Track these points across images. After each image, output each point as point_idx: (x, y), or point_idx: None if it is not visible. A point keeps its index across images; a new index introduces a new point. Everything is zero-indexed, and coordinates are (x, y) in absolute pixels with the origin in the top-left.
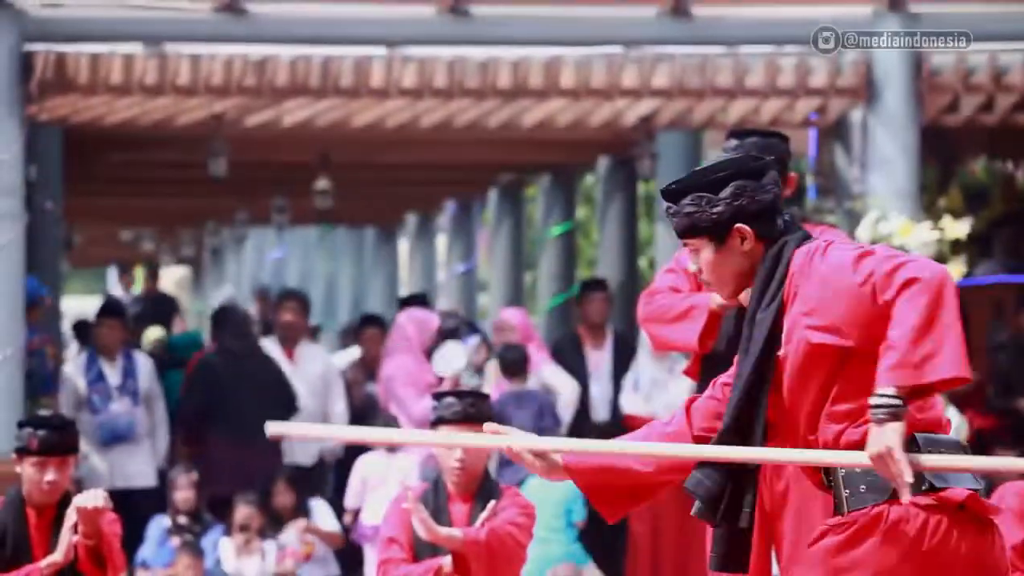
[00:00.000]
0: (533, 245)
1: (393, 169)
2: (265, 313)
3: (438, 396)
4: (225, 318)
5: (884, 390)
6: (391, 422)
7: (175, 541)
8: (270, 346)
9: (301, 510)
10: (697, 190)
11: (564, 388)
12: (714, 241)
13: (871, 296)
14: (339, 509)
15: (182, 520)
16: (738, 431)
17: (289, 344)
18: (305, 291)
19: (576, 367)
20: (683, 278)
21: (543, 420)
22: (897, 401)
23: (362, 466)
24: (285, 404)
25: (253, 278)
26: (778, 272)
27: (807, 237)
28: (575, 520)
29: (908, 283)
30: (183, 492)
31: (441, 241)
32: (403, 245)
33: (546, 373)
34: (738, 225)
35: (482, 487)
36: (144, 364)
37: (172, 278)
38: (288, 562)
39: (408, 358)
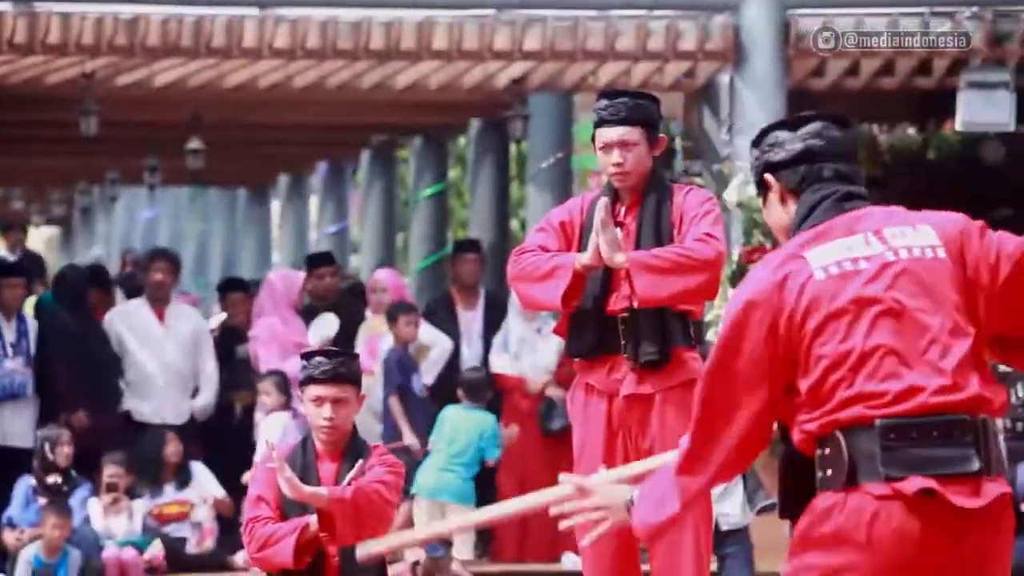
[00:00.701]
0: (405, 206)
1: (265, 129)
2: (132, 274)
3: (307, 355)
4: (60, 290)
5: None
6: (275, 376)
7: (41, 500)
8: (139, 307)
9: (183, 472)
10: (755, 146)
11: (436, 344)
12: (759, 194)
13: None
14: (221, 471)
15: (52, 479)
16: None
17: (159, 304)
18: (176, 251)
19: (448, 327)
20: (552, 236)
21: (395, 377)
22: None
23: (266, 427)
24: (114, 382)
25: (124, 238)
26: None
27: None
28: (488, 458)
29: None
30: (65, 448)
31: (313, 202)
32: (275, 206)
33: (419, 332)
34: (765, 176)
35: (350, 446)
36: (32, 325)
37: (41, 238)
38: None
39: (275, 318)
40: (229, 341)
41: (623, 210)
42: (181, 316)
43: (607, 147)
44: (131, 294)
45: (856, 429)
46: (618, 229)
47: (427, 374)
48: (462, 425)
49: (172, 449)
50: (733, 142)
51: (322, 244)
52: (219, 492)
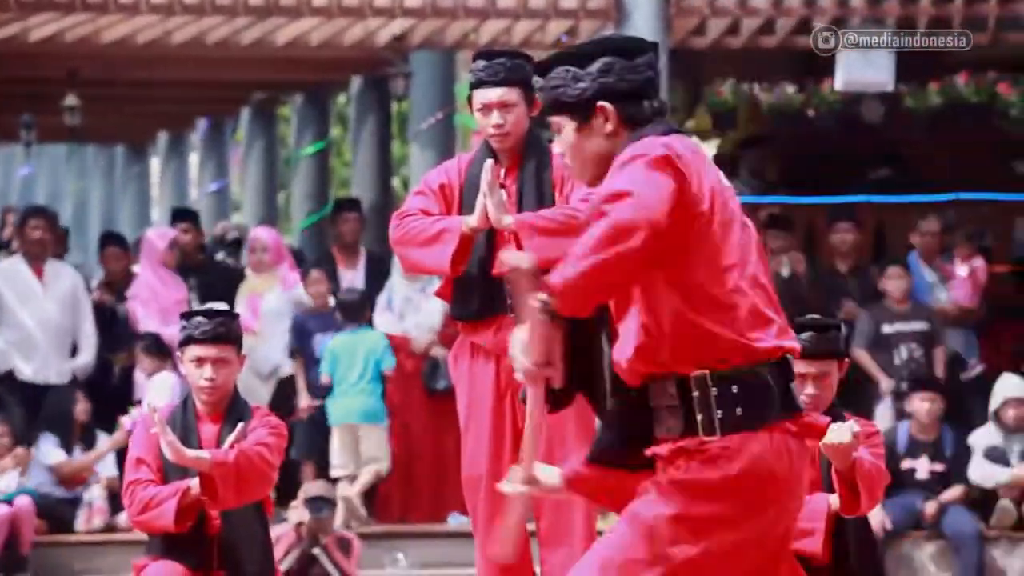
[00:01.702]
0: (286, 164)
1: (144, 86)
2: (9, 232)
3: (187, 315)
4: None
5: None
6: (146, 340)
7: None
8: (17, 264)
9: (89, 434)
10: (565, 63)
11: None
12: (577, 119)
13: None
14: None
15: None
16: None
17: (37, 262)
18: (53, 208)
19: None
20: (432, 200)
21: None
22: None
23: (153, 387)
24: None
25: (0, 195)
26: None
27: (672, 131)
28: (384, 368)
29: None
30: None
31: (193, 159)
32: (155, 163)
33: (299, 291)
34: (601, 103)
35: (232, 407)
36: None
37: None
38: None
39: (153, 276)
40: (108, 300)
41: (503, 172)
42: (59, 274)
43: (486, 108)
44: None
45: (774, 364)
46: (502, 191)
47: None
48: (353, 348)
49: (81, 407)
50: None
51: (203, 202)
52: (114, 470)
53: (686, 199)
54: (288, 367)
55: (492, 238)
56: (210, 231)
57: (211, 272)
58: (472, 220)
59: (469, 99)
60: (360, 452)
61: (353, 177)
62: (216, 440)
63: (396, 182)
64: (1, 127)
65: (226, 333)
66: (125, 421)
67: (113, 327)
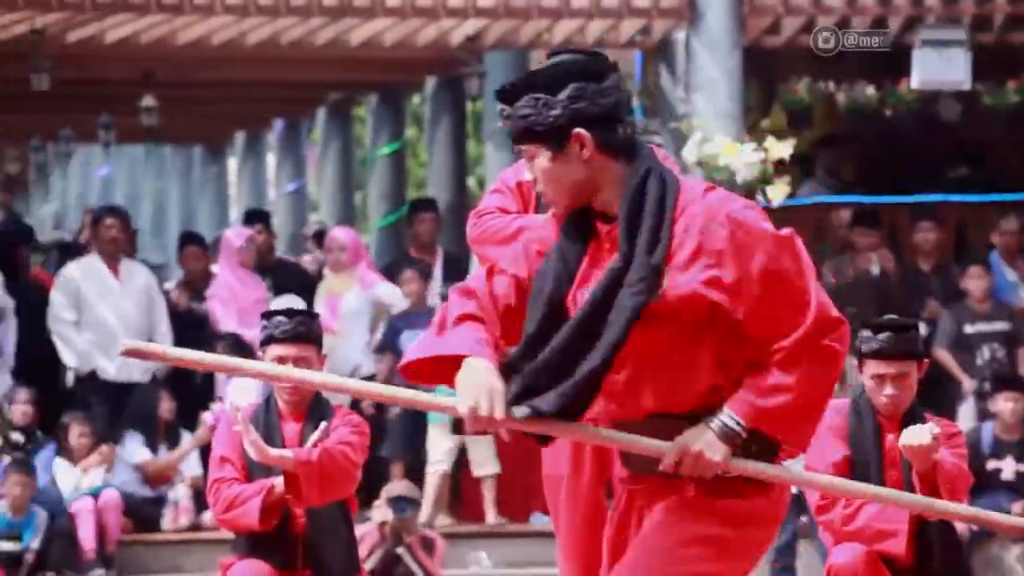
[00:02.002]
0: (362, 164)
1: (219, 87)
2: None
3: (267, 315)
4: None
5: (736, 416)
6: (226, 339)
7: (5, 459)
8: (94, 262)
9: (175, 432)
10: (533, 90)
11: (396, 302)
12: (551, 147)
13: (783, 300)
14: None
15: (16, 437)
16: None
17: (112, 261)
18: (126, 208)
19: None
20: (510, 198)
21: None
22: (739, 430)
23: (236, 387)
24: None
25: (80, 196)
26: (664, 213)
27: (656, 168)
28: None
29: (812, 336)
30: (22, 407)
31: (270, 159)
32: (232, 163)
33: (379, 291)
34: (577, 130)
35: (314, 406)
36: None
37: None
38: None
39: (230, 275)
40: (188, 299)
41: None
42: (134, 272)
43: None
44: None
45: None
46: None
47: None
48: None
49: (166, 406)
50: (690, 100)
51: (280, 203)
52: (198, 469)
53: None
54: (368, 366)
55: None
56: (289, 231)
57: (284, 273)
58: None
59: None
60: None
61: (429, 177)
62: (299, 439)
63: (472, 182)
64: (80, 128)
65: (307, 332)
66: (207, 417)
67: (193, 327)
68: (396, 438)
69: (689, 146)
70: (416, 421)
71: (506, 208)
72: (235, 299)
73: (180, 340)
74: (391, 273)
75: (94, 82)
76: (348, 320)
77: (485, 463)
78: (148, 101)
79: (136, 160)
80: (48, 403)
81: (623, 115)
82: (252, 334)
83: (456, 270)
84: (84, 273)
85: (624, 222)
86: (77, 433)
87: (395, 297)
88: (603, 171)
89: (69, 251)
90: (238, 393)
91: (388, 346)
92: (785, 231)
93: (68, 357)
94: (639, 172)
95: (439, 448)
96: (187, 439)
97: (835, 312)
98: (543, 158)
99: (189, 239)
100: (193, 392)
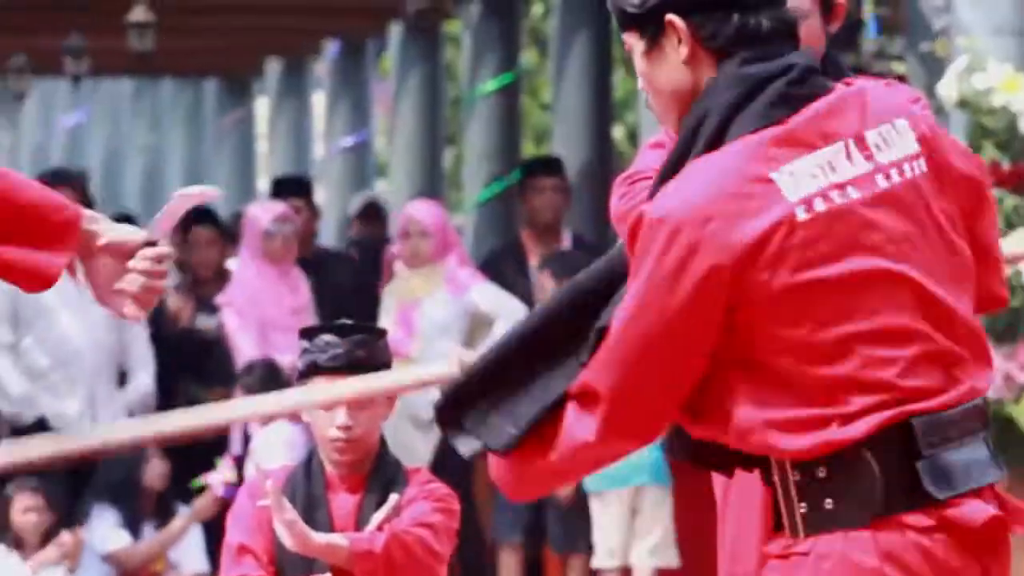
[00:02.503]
0: (456, 107)
1: None
2: None
3: (309, 333)
4: None
5: None
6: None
7: None
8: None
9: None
10: None
11: (502, 313)
12: (644, 37)
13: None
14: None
15: None
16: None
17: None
18: (79, 172)
19: (518, 287)
20: None
21: None
22: None
23: (262, 441)
24: None
25: (37, 152)
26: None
27: (788, 68)
28: None
29: None
30: None
31: (319, 101)
32: (262, 105)
33: (475, 296)
34: (670, 16)
35: (377, 470)
36: None
37: None
38: None
39: (253, 272)
40: (191, 310)
41: None
42: None
43: None
44: None
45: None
46: None
47: None
48: None
49: (155, 471)
50: (952, 8)
51: (333, 164)
52: (200, 564)
53: None
54: None
55: None
56: (343, 207)
57: (333, 269)
58: None
59: None
60: (635, 530)
61: (554, 126)
62: (355, 518)
63: (619, 132)
64: (38, 55)
65: (368, 358)
66: (213, 481)
67: (203, 349)
68: (509, 511)
69: (948, 77)
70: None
71: None
72: (257, 307)
73: (178, 372)
74: (495, 269)
75: None
76: (430, 339)
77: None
78: (139, 14)
79: (120, 101)
80: None
81: (752, 2)
82: (287, 360)
83: (588, 264)
84: None
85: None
86: (22, 509)
87: (501, 305)
88: (711, 79)
89: None
90: (267, 450)
91: None
92: None
93: None
94: (728, 81)
95: (610, 536)
96: (183, 516)
97: None
98: (637, 54)
99: (196, 218)
100: (195, 449)
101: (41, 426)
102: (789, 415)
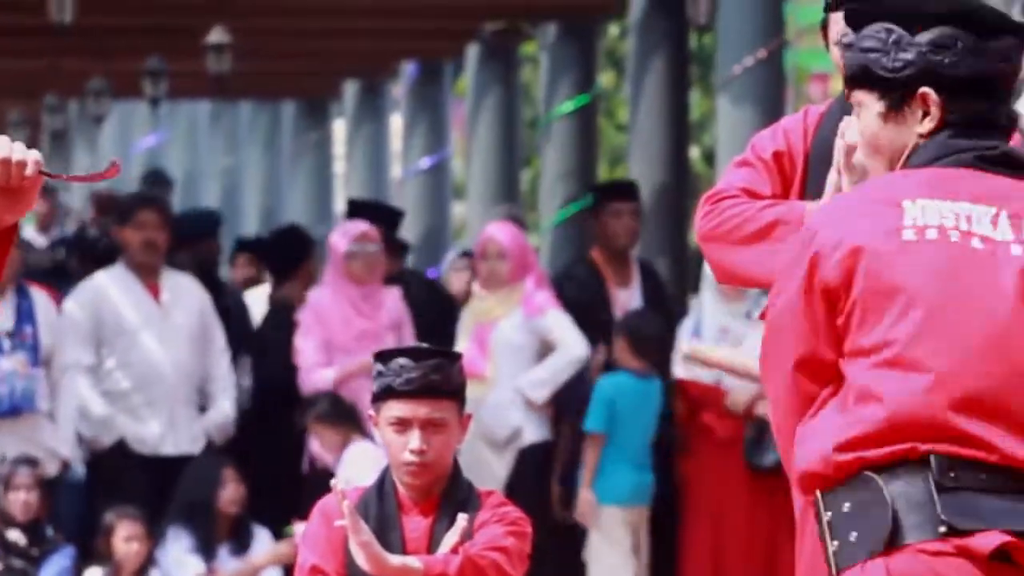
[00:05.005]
0: (532, 129)
1: (322, 15)
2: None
3: (384, 356)
4: None
5: None
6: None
7: None
8: (122, 278)
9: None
10: (888, 19)
11: (561, 347)
12: (886, 101)
13: None
14: None
15: (14, 537)
16: None
17: (150, 274)
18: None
19: (591, 312)
20: (763, 175)
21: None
22: None
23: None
24: None
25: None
26: None
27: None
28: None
29: None
30: (23, 493)
31: (396, 122)
32: (338, 127)
33: (550, 321)
34: (925, 90)
35: (450, 491)
36: (44, 306)
37: None
38: None
39: (328, 292)
40: (279, 325)
41: None
42: (181, 290)
43: None
44: (96, 261)
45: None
46: None
47: (538, 387)
48: (644, 397)
49: (230, 495)
50: None
51: (409, 185)
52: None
53: None
54: (533, 430)
55: None
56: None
57: (413, 291)
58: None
59: (823, 25)
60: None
61: (630, 147)
62: (427, 540)
63: (695, 152)
64: (118, 77)
65: (442, 383)
66: (297, 532)
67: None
68: None
69: None
70: None
71: (755, 190)
72: (325, 329)
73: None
74: (566, 289)
75: (139, 10)
76: (504, 360)
77: None
78: (217, 36)
79: (198, 124)
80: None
81: (995, 93)
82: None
83: (656, 293)
84: (106, 296)
85: None
86: (124, 537)
87: (564, 338)
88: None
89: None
90: (354, 469)
91: (564, 405)
92: None
93: (80, 422)
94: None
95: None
96: (262, 543)
97: None
98: (871, 112)
99: (289, 240)
100: (269, 473)
101: (120, 449)
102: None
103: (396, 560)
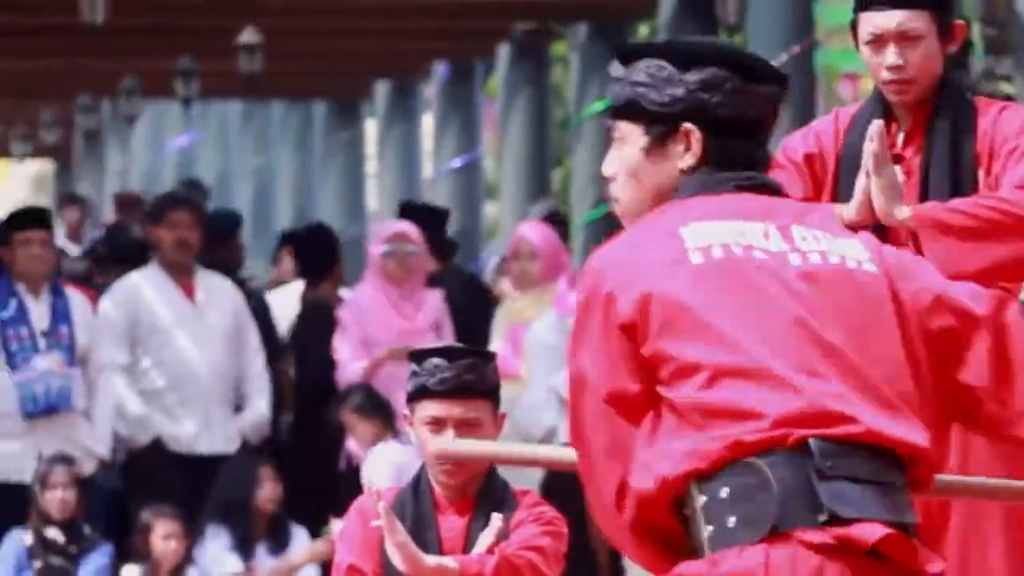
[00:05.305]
0: (564, 129)
1: (353, 15)
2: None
3: (419, 356)
4: None
5: None
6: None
7: (37, 564)
8: (156, 278)
9: (281, 529)
10: (660, 56)
11: None
12: (650, 135)
13: None
14: None
15: (52, 534)
16: None
17: (183, 274)
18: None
19: None
20: (795, 176)
21: None
22: None
23: (372, 462)
24: None
25: (148, 174)
26: None
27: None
28: None
29: None
30: (60, 492)
31: (427, 122)
32: (370, 127)
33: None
34: (688, 126)
35: (486, 491)
36: (80, 306)
37: (27, 174)
38: None
39: (368, 291)
40: (318, 325)
41: (901, 137)
42: (215, 290)
43: (878, 41)
44: (124, 261)
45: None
46: (896, 167)
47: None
48: None
49: (267, 494)
50: None
51: (441, 184)
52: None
53: None
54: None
55: (876, 235)
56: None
57: (454, 288)
58: (849, 211)
59: (852, 25)
60: None
61: None
62: (463, 540)
63: None
64: (149, 77)
65: (476, 382)
66: (335, 531)
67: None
68: None
69: None
70: None
71: (786, 192)
72: (363, 329)
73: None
74: None
75: (171, 9)
76: (538, 360)
77: None
78: (249, 37)
79: (230, 124)
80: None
81: (759, 137)
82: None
83: None
84: (141, 295)
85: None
86: (163, 535)
87: None
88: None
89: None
90: (374, 471)
91: None
92: None
93: (116, 421)
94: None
95: None
96: (300, 541)
97: None
98: (634, 146)
99: (321, 240)
100: (306, 471)
101: (156, 448)
102: None
103: (432, 560)
